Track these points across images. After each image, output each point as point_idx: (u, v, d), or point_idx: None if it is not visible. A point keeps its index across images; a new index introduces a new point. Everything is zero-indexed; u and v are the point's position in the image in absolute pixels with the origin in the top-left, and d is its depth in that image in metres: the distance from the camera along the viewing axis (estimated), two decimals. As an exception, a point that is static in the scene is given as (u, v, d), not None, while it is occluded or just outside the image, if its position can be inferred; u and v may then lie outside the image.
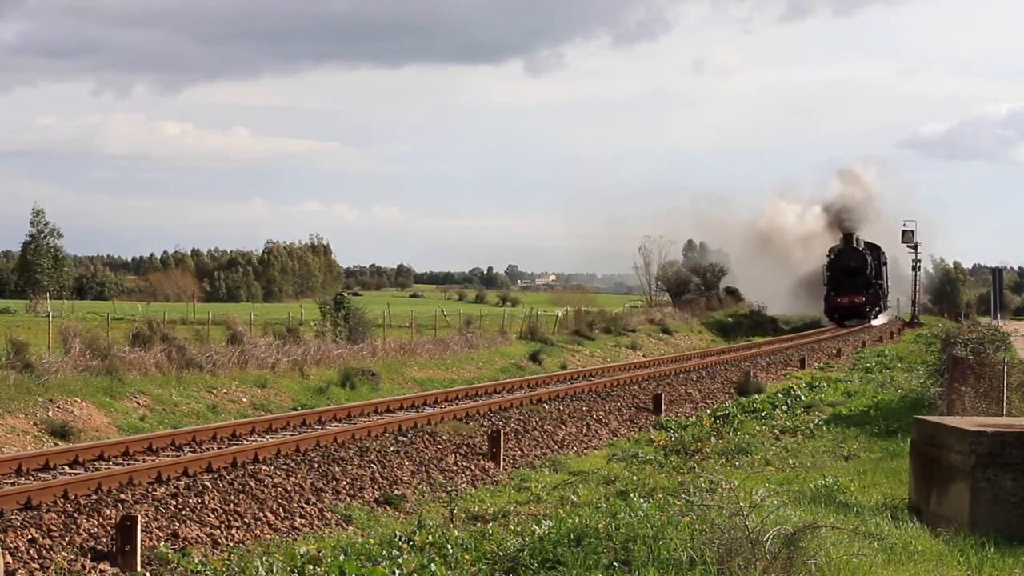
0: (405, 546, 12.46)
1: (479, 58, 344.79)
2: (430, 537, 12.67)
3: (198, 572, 11.77)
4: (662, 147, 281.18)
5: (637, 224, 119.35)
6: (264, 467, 15.77)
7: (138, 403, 23.92)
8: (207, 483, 14.51)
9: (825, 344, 50.81)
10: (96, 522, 12.55)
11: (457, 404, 23.46)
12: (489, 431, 19.95)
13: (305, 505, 14.88)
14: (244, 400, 26.37)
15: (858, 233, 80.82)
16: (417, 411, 22.17)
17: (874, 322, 75.53)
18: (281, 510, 14.49)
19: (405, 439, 18.88)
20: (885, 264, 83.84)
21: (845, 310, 75.57)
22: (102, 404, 22.91)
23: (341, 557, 11.94)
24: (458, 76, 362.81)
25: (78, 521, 12.48)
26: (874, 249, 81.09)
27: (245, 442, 18.24)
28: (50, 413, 21.28)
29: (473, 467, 18.54)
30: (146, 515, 12.91)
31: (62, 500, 13.28)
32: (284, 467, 15.98)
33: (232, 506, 14.02)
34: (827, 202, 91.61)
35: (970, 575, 10.89)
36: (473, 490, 17.14)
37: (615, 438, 23.24)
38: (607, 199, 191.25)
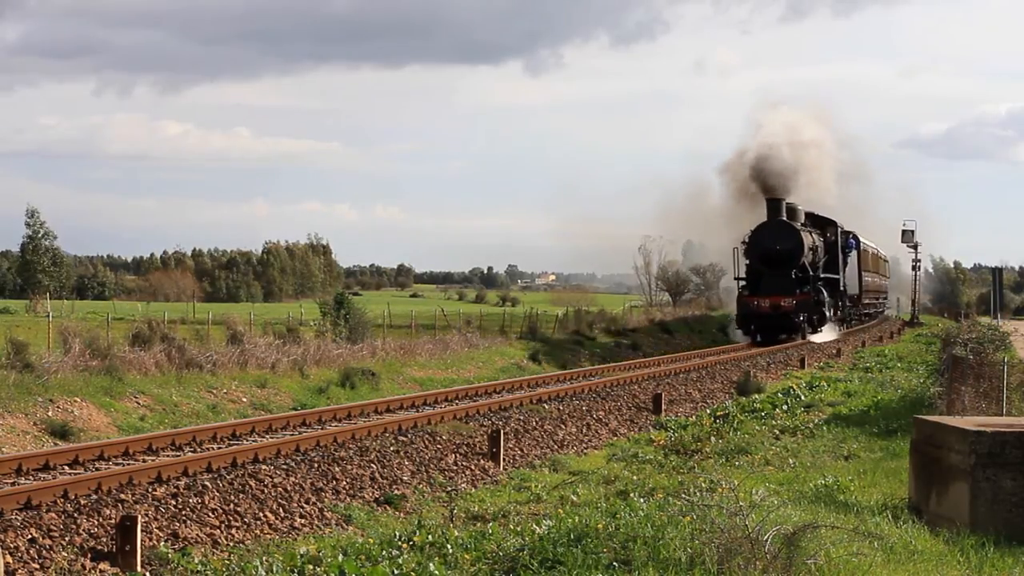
0: (405, 546, 12.46)
1: (479, 59, 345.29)
2: (430, 537, 12.67)
3: (198, 572, 11.77)
4: (661, 146, 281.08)
5: (635, 223, 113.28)
6: (264, 467, 15.78)
7: (138, 403, 23.91)
8: (207, 483, 14.51)
9: (824, 344, 50.81)
10: (96, 522, 12.55)
11: (457, 404, 23.45)
12: (489, 431, 19.95)
13: (305, 505, 14.88)
14: (244, 400, 26.37)
15: (792, 200, 53.46)
16: (417, 411, 22.16)
17: (814, 338, 50.86)
18: (281, 510, 14.49)
19: (405, 439, 18.88)
20: (849, 249, 60.20)
21: (765, 320, 49.00)
22: (102, 404, 22.91)
23: (341, 557, 11.94)
24: (458, 76, 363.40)
25: (78, 521, 12.49)
26: (823, 225, 56.33)
27: (245, 442, 18.24)
28: (50, 413, 21.27)
29: (473, 467, 18.54)
30: (146, 515, 12.91)
31: (62, 500, 13.28)
32: (284, 467, 15.98)
33: (232, 506, 14.02)
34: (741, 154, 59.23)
35: (970, 575, 10.89)
36: (473, 490, 17.15)
37: (615, 438, 23.24)
38: (606, 198, 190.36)
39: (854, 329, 63.99)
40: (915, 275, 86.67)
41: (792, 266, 49.56)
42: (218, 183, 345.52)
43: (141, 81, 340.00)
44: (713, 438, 21.79)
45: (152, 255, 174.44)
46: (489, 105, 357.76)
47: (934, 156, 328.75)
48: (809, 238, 51.75)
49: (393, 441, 18.57)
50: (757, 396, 29.24)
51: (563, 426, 22.90)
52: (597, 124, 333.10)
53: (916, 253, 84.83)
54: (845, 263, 58.84)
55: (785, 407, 26.67)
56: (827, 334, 53.10)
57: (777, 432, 23.05)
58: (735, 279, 51.29)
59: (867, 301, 73.22)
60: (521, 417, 22.48)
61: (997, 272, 71.47)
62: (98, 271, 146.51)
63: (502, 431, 19.85)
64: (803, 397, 28.59)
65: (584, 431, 23.20)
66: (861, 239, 67.19)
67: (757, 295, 49.32)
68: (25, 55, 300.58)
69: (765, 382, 33.29)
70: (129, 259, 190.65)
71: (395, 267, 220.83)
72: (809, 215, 54.98)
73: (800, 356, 42.00)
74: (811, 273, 50.63)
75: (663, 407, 26.57)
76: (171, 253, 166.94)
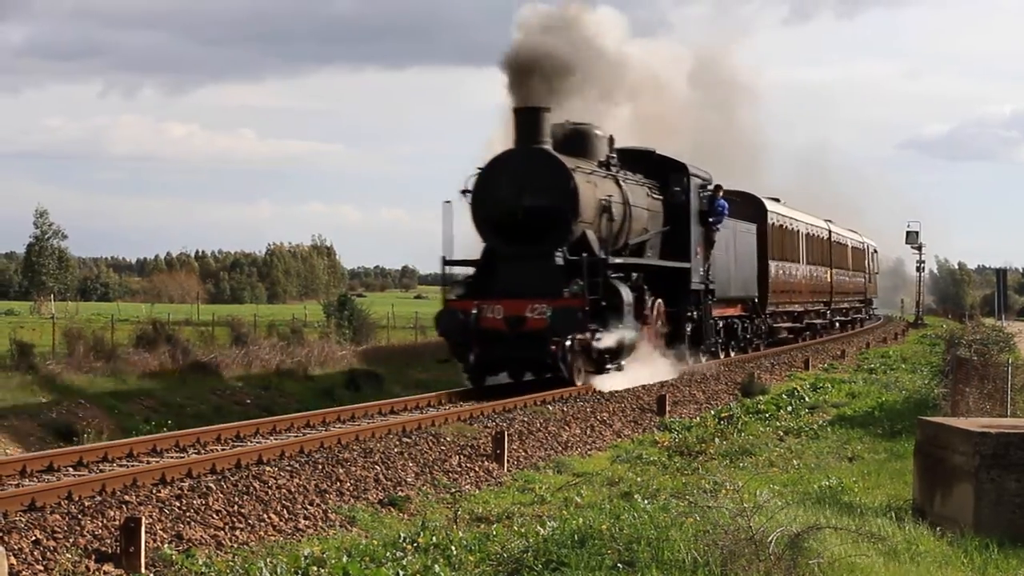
0: (409, 547, 12.46)
1: (482, 60, 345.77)
2: (434, 538, 12.68)
3: (202, 573, 11.78)
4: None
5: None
6: (268, 468, 15.78)
7: (143, 405, 23.95)
8: (211, 484, 14.52)
9: (829, 345, 50.80)
10: (100, 523, 12.56)
11: (461, 406, 23.45)
12: (493, 432, 19.94)
13: (309, 506, 14.89)
14: (248, 402, 26.40)
15: (588, 123, 28.93)
16: (421, 412, 22.16)
17: (602, 381, 26.78)
18: (285, 511, 14.50)
19: (409, 440, 18.88)
20: (717, 218, 33.98)
21: (495, 345, 25.47)
22: (107, 405, 22.94)
23: (345, 558, 11.95)
24: (462, 78, 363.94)
25: (82, 522, 12.50)
26: (661, 173, 31.76)
27: (249, 444, 18.24)
28: (54, 415, 21.30)
29: (477, 468, 18.54)
30: (150, 516, 12.92)
31: (66, 501, 13.29)
32: (288, 468, 15.98)
33: (236, 507, 14.03)
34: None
35: (974, 576, 10.90)
36: (477, 491, 17.15)
37: (619, 439, 23.23)
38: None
39: (739, 358, 38.10)
40: (919, 276, 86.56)
41: (555, 240, 25.71)
42: (223, 184, 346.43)
43: (146, 83, 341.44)
44: (717, 439, 21.78)
45: (157, 257, 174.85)
46: (492, 106, 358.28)
47: (937, 157, 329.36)
48: (603, 187, 27.21)
49: (397, 443, 18.57)
50: (761, 397, 29.22)
51: (567, 427, 22.90)
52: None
53: (920, 254, 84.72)
54: (709, 242, 33.72)
55: (789, 408, 26.65)
56: (637, 372, 28.36)
57: (781, 433, 23.04)
58: (443, 263, 27.85)
59: (793, 308, 47.88)
60: (525, 419, 22.47)
61: (1001, 273, 71.48)
62: (102, 273, 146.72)
63: (506, 433, 19.85)
64: (807, 398, 28.58)
65: (588, 432, 23.19)
66: (771, 207, 43.83)
67: (482, 297, 25.78)
68: (31, 57, 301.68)
69: (769, 383, 33.27)
70: (133, 261, 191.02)
71: (399, 268, 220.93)
72: (633, 152, 31.15)
73: (804, 357, 41.98)
74: (602, 256, 25.96)
75: (667, 408, 26.55)
76: (175, 255, 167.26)
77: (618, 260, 27.27)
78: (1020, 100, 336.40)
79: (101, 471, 15.62)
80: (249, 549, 12.91)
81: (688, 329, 32.47)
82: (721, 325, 36.89)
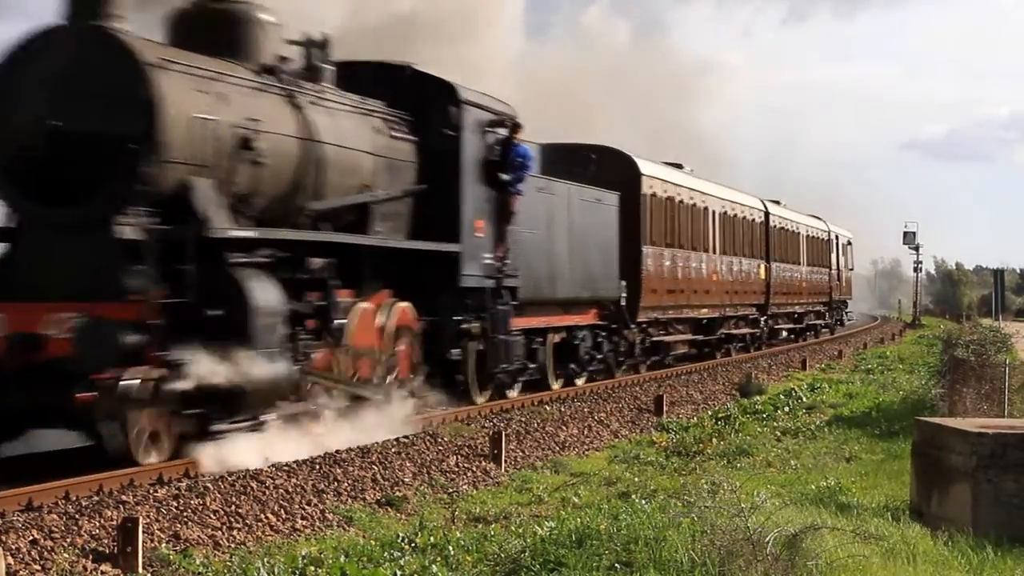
0: (407, 547, 12.46)
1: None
2: (431, 538, 12.68)
3: (199, 573, 11.78)
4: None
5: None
6: (265, 469, 15.76)
7: (140, 404, 23.88)
8: (208, 484, 14.51)
9: (826, 346, 50.84)
10: (98, 523, 12.55)
11: (458, 406, 23.44)
12: (491, 432, 19.94)
13: (306, 507, 14.88)
14: (246, 401, 26.32)
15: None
16: (417, 412, 22.13)
17: (232, 454, 15.09)
18: (283, 512, 14.49)
19: (406, 440, 18.87)
20: (518, 171, 21.21)
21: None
22: (104, 405, 22.88)
23: (342, 558, 11.95)
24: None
25: (80, 522, 12.48)
26: (422, 100, 19.77)
27: (247, 443, 18.18)
28: (52, 414, 21.25)
29: (475, 468, 18.53)
30: (148, 516, 12.91)
31: (63, 501, 13.29)
32: (286, 468, 15.96)
33: (233, 507, 14.01)
34: None
35: (971, 577, 10.91)
36: (475, 491, 17.15)
37: (617, 439, 23.24)
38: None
39: (590, 388, 27.37)
40: (916, 277, 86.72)
41: (117, 195, 13.90)
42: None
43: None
44: (715, 440, 21.78)
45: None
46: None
47: (935, 158, 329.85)
48: (241, 106, 15.13)
49: (395, 443, 18.56)
50: (758, 398, 29.23)
51: (565, 428, 22.90)
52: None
53: (918, 255, 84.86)
54: (504, 213, 21.59)
55: (787, 409, 26.66)
56: (306, 431, 17.00)
57: (779, 434, 23.04)
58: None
59: (696, 314, 35.94)
60: (523, 419, 22.47)
61: (999, 274, 71.46)
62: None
63: (503, 433, 19.84)
64: (804, 399, 28.57)
65: (586, 432, 23.20)
66: (649, 170, 32.08)
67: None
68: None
69: (767, 383, 33.28)
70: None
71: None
72: (370, 66, 20.51)
73: (802, 358, 41.99)
74: (214, 223, 14.27)
75: (665, 408, 26.55)
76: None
77: (248, 233, 15.09)
78: (1018, 101, 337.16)
79: (98, 471, 15.61)
80: (246, 549, 12.91)
81: (458, 351, 21.32)
82: (556, 340, 25.94)
